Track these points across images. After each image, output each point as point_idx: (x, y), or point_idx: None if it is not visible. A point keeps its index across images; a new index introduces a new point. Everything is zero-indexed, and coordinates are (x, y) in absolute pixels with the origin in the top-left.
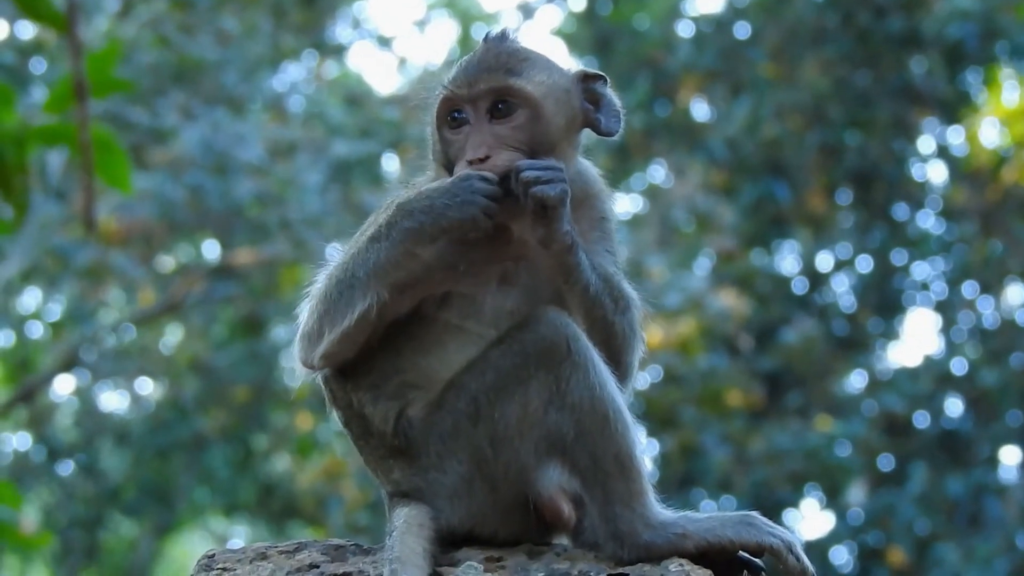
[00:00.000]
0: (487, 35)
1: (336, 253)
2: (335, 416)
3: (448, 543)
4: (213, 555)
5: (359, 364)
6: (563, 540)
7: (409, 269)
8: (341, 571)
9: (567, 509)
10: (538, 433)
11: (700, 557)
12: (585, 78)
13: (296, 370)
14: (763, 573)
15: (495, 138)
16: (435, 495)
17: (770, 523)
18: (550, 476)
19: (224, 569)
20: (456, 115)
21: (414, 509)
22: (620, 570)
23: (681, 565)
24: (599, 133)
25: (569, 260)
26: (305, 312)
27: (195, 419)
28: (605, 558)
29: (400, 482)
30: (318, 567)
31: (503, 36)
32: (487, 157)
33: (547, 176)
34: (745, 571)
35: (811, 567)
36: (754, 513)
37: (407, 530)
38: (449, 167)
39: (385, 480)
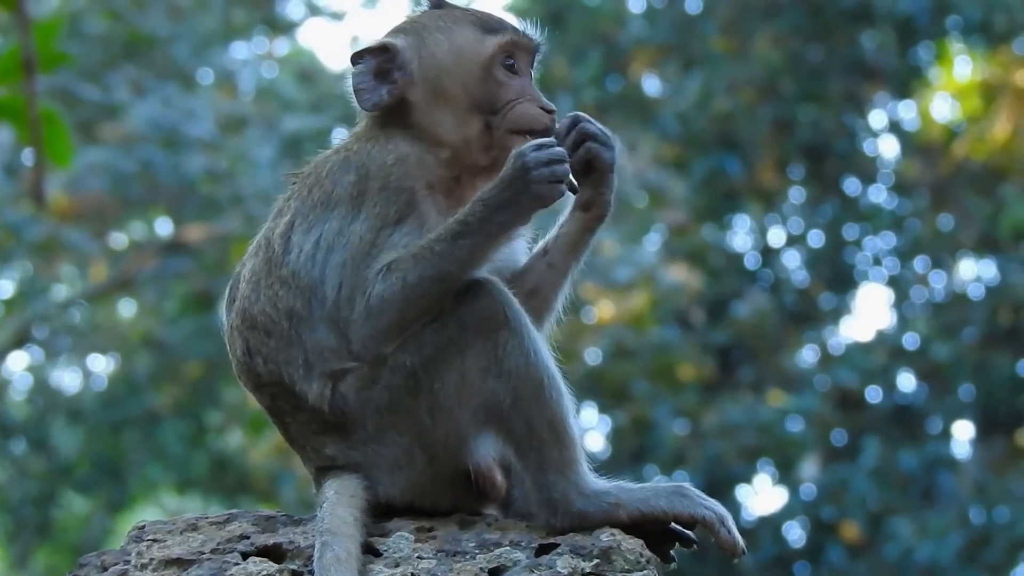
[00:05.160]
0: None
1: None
2: (258, 394)
3: (380, 513)
4: (143, 526)
5: (292, 339)
6: (494, 510)
7: (491, 257)
8: (271, 541)
9: (500, 478)
10: (476, 401)
11: (633, 527)
12: None
13: (363, 360)
14: (695, 545)
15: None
16: (375, 468)
17: (703, 495)
18: (485, 445)
19: (155, 540)
20: (512, 62)
21: (345, 480)
22: (551, 539)
23: (613, 535)
24: None
25: (595, 234)
26: (372, 315)
27: (148, 395)
28: (537, 527)
29: (335, 457)
30: (248, 538)
31: None
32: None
33: (603, 137)
34: (677, 543)
35: (742, 541)
36: (687, 484)
37: (338, 501)
38: (488, 109)
39: (315, 456)
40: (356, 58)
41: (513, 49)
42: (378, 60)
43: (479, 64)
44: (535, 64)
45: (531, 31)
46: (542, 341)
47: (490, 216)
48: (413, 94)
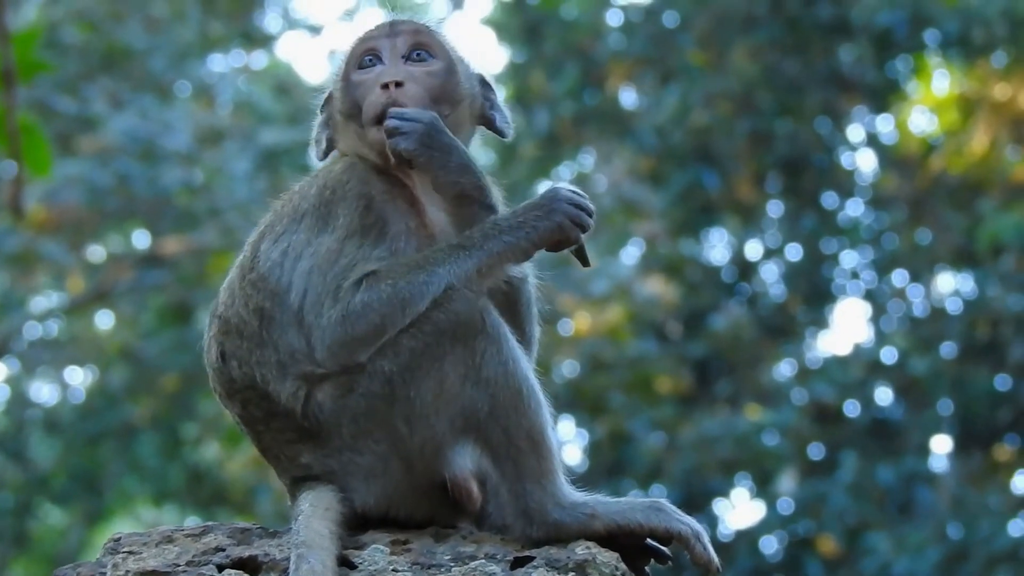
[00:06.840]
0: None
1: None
2: (231, 402)
3: (355, 526)
4: (119, 538)
5: (263, 339)
6: (468, 523)
7: (493, 279)
8: (247, 554)
9: (476, 489)
10: (454, 409)
11: (608, 540)
12: (483, 81)
13: (326, 368)
14: (669, 561)
15: (409, 74)
16: (350, 476)
17: (679, 511)
18: (462, 455)
19: (130, 552)
20: (369, 58)
21: (321, 492)
22: (526, 552)
23: (588, 547)
24: (493, 130)
25: (467, 209)
26: (348, 322)
27: (124, 407)
28: (512, 540)
29: (311, 465)
30: (224, 550)
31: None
32: (402, 84)
33: (405, 128)
34: (652, 558)
35: (716, 558)
36: (663, 500)
37: (313, 513)
38: (355, 114)
39: (290, 465)
40: (322, 108)
41: (367, 46)
42: (327, 111)
43: (341, 78)
44: (418, 50)
45: (381, 23)
46: (520, 350)
47: (498, 235)
48: (336, 133)
